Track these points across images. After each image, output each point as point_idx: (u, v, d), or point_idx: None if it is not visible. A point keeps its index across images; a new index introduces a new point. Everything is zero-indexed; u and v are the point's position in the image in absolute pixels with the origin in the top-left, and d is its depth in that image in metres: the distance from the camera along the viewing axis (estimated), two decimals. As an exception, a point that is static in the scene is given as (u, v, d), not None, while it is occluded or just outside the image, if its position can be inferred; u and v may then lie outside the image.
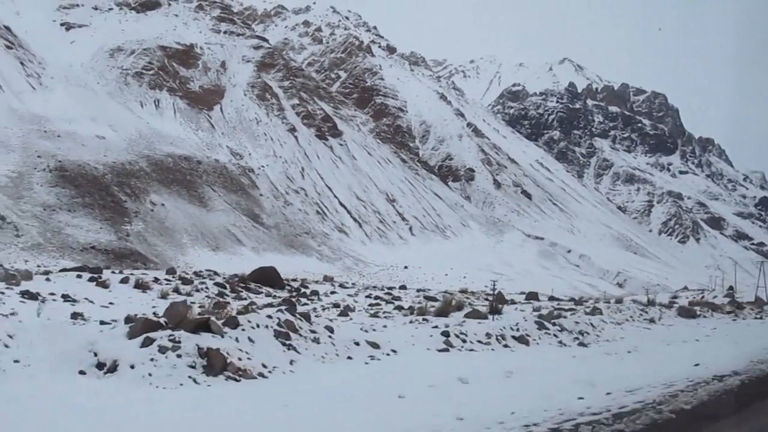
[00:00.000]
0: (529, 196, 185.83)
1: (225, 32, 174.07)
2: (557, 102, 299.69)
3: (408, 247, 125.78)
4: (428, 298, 26.82)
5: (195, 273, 30.59)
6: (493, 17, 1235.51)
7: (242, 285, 24.76)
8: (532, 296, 33.99)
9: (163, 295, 18.52)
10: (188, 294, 19.86)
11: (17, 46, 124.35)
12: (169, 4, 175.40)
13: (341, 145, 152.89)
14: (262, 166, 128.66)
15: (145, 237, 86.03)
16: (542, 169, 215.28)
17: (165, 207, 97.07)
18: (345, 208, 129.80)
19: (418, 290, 39.79)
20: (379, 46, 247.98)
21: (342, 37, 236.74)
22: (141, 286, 19.89)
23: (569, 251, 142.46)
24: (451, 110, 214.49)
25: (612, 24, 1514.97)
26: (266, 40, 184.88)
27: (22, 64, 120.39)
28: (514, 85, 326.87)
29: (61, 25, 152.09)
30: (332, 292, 28.87)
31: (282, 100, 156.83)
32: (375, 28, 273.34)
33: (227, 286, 23.69)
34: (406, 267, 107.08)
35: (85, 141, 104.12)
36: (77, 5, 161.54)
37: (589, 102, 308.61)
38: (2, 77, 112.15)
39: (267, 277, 27.48)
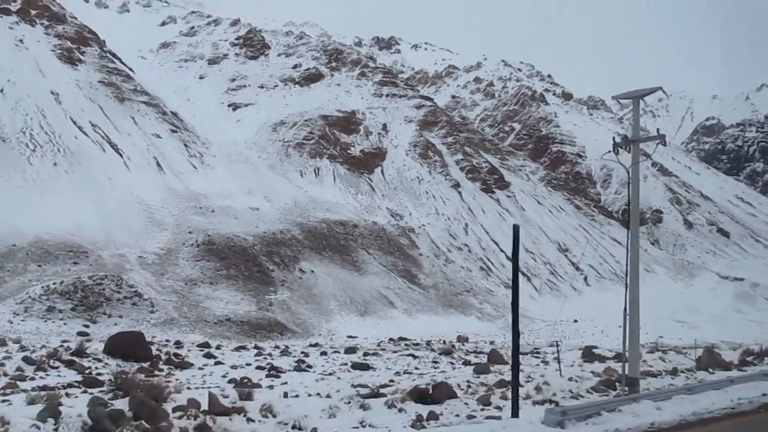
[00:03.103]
0: (726, 234, 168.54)
1: (387, 95, 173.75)
2: (758, 131, 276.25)
3: (582, 299, 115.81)
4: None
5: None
6: (683, 51, 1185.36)
7: (70, 358, 19.58)
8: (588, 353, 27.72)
9: None
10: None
11: (182, 130, 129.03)
12: (332, 75, 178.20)
13: (509, 196, 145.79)
14: (423, 225, 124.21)
15: (289, 306, 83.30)
16: (743, 204, 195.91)
17: (314, 274, 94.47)
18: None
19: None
20: (554, 94, 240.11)
21: (514, 89, 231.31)
22: None
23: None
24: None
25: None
26: (430, 99, 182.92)
27: (185, 145, 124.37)
28: (707, 119, 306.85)
29: (228, 105, 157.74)
30: (218, 363, 23.31)
31: (445, 157, 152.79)
32: (549, 76, 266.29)
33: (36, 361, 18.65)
34: (575, 321, 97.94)
35: (238, 214, 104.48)
36: (244, 86, 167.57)
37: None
38: (165, 159, 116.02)
39: (128, 345, 22.09)
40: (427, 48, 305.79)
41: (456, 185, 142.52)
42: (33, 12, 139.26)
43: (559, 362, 20.74)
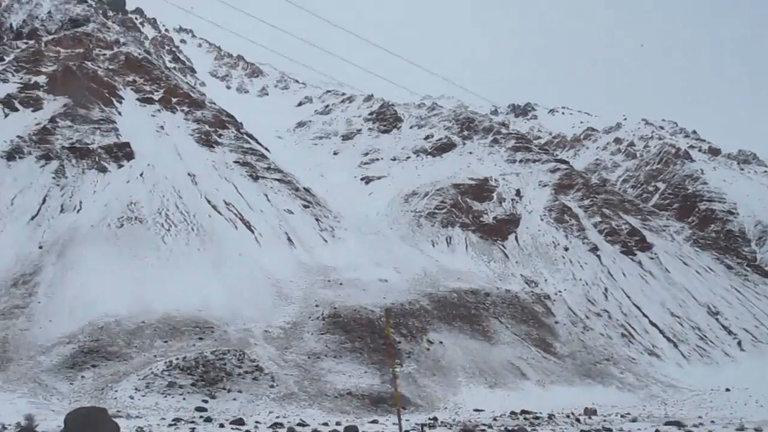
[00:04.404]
0: None
1: (520, 161, 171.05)
2: None
3: (736, 366, 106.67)
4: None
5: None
6: None
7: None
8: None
9: None
10: None
11: (314, 204, 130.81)
12: (464, 143, 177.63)
13: (651, 258, 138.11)
14: (559, 291, 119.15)
15: (415, 378, 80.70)
16: None
17: (443, 345, 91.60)
18: (656, 327, 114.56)
19: None
20: (700, 150, 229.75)
21: (656, 147, 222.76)
22: None
23: None
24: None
25: None
26: (565, 162, 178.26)
27: (317, 220, 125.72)
28: None
29: (361, 179, 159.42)
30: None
31: (582, 220, 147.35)
32: (694, 132, 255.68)
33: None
34: (727, 389, 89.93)
35: (366, 286, 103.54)
36: (377, 159, 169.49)
37: None
38: (296, 234, 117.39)
39: (81, 424, 19.85)
40: (564, 112, 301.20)
41: (594, 249, 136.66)
42: (174, 100, 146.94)
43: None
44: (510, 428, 35.41)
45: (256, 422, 42.33)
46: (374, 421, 48.50)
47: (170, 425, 35.46)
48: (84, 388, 62.25)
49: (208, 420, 40.67)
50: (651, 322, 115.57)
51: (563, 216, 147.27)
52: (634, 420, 49.19)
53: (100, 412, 21.74)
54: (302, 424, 40.66)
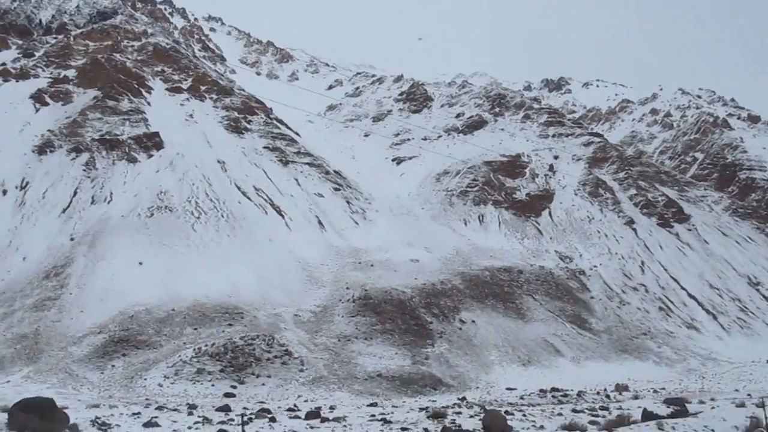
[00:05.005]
0: None
1: (553, 136, 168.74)
2: None
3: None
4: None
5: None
6: None
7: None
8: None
9: None
10: None
11: (345, 187, 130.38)
12: (495, 120, 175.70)
13: (689, 230, 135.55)
14: (595, 266, 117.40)
15: (447, 358, 80.00)
16: None
17: (475, 324, 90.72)
18: (695, 299, 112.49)
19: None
20: (739, 118, 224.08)
21: (693, 117, 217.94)
22: None
23: None
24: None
25: None
26: (599, 135, 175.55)
27: (348, 202, 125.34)
28: None
29: (392, 160, 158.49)
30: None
31: (617, 193, 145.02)
32: (732, 100, 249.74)
33: None
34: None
35: (397, 267, 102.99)
36: (408, 140, 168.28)
37: None
38: (326, 218, 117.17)
39: (26, 415, 19.24)
40: (599, 85, 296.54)
41: (630, 222, 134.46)
42: (203, 88, 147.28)
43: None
44: (488, 409, 34.83)
45: (244, 408, 42.24)
46: (373, 404, 48.07)
47: (133, 414, 35.40)
48: (114, 378, 62.72)
49: (193, 406, 40.62)
50: (689, 295, 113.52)
51: (598, 190, 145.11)
52: (635, 397, 47.92)
53: (45, 403, 21.27)
54: (292, 410, 40.61)
